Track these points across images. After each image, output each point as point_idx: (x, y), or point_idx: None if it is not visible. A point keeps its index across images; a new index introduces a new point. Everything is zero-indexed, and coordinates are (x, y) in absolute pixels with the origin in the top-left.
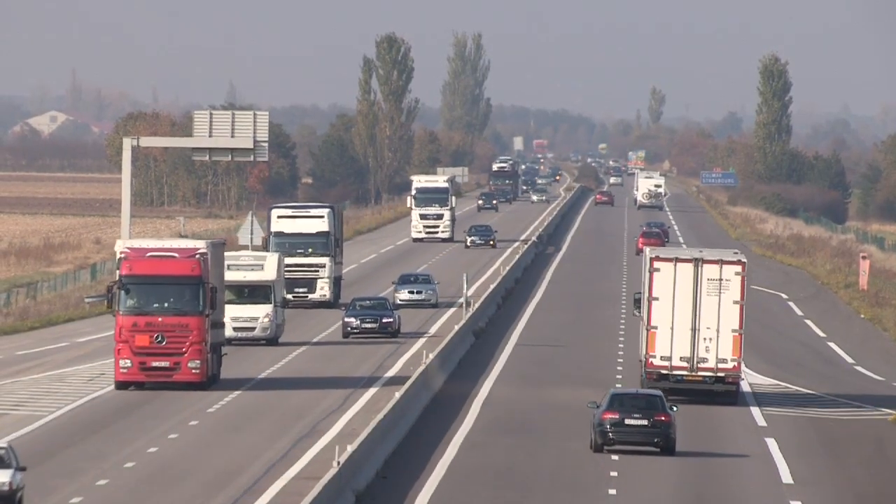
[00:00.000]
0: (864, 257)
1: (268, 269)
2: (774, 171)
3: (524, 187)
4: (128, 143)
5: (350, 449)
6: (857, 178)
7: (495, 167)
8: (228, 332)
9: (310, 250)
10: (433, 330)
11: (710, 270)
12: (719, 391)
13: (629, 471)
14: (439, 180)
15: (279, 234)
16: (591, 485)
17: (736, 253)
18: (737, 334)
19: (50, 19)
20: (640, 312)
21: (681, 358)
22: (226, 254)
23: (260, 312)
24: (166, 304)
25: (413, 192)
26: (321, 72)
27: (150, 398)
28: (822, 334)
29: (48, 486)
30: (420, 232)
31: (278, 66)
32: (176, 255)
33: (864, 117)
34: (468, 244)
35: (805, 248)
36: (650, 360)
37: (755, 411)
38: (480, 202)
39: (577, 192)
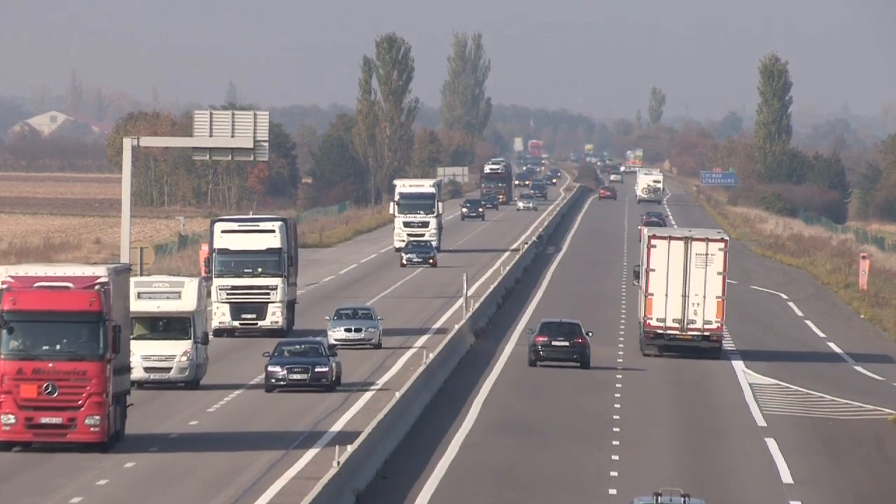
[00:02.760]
0: (864, 257)
1: (186, 297)
2: (774, 171)
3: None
4: (128, 143)
5: (350, 449)
6: (857, 178)
7: (487, 169)
8: (139, 373)
9: (259, 270)
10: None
11: (697, 247)
12: (705, 347)
13: (629, 471)
14: (425, 185)
15: (223, 252)
16: (591, 485)
17: (719, 232)
18: (720, 300)
19: (50, 20)
20: (639, 282)
21: (673, 320)
22: (137, 279)
23: (177, 349)
24: (58, 347)
25: (396, 197)
26: (321, 72)
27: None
28: (822, 334)
29: (48, 486)
30: (403, 241)
31: (278, 66)
32: (70, 285)
33: (864, 117)
34: (404, 262)
35: (805, 248)
36: (647, 321)
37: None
38: (465, 210)
39: (576, 193)
